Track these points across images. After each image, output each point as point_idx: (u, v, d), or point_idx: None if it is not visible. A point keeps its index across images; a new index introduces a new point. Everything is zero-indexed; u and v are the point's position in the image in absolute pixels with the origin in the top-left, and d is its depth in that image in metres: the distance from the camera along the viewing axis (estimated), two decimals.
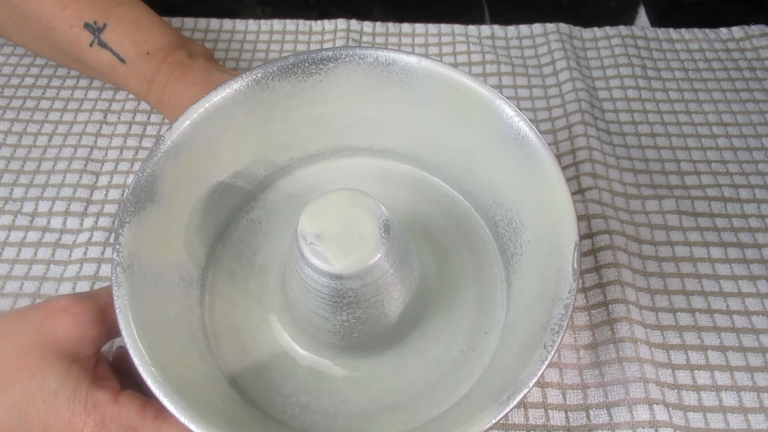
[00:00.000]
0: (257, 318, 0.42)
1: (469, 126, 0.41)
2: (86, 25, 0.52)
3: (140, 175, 0.37)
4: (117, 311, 0.33)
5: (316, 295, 0.36)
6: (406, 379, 0.40)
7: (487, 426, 0.31)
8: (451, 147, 0.43)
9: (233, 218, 0.45)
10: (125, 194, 0.37)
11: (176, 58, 0.53)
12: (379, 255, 0.35)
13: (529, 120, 0.46)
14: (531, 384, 0.31)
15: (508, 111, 0.38)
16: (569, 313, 0.33)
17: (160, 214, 0.38)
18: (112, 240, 0.50)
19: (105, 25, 0.52)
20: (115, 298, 0.34)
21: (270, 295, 0.43)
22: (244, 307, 0.42)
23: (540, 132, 0.58)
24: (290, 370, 0.40)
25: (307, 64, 0.41)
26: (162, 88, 0.52)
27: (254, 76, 0.41)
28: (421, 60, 0.40)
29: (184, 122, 0.39)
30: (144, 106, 0.59)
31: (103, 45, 0.52)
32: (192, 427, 0.31)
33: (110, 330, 0.36)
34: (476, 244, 0.44)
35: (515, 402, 0.31)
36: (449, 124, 0.42)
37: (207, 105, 0.40)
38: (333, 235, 0.35)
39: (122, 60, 0.53)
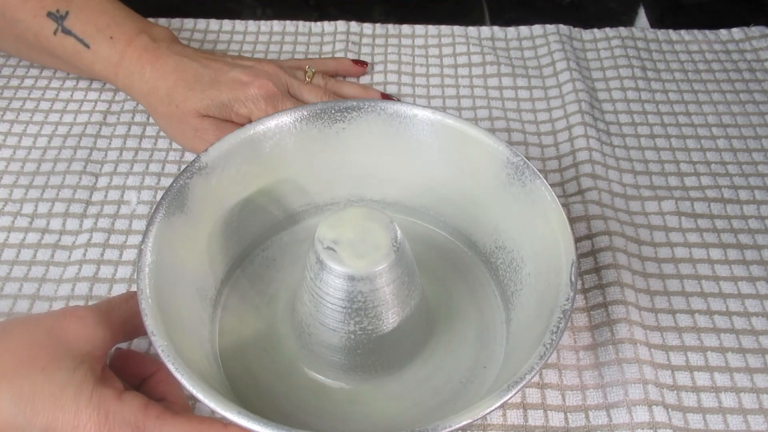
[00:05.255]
0: (264, 339, 0.44)
1: (476, 174, 0.44)
2: (49, 14, 0.53)
3: (174, 184, 0.40)
4: (139, 293, 0.35)
5: (328, 301, 0.38)
6: (406, 405, 0.41)
7: (488, 410, 0.32)
8: (458, 197, 0.46)
9: (250, 253, 0.48)
10: (159, 197, 0.39)
11: (140, 43, 0.54)
12: (389, 261, 0.37)
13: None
14: (531, 376, 0.33)
15: (513, 158, 0.42)
16: (567, 316, 0.35)
17: (187, 225, 0.40)
18: (111, 241, 0.50)
19: (67, 13, 0.53)
20: (139, 280, 0.36)
21: (279, 320, 0.45)
22: (253, 327, 0.44)
23: (540, 134, 0.58)
24: (293, 389, 0.42)
25: (333, 111, 0.45)
26: (130, 75, 0.54)
27: (285, 118, 0.44)
28: (435, 113, 0.44)
29: (220, 147, 0.42)
30: (143, 107, 0.59)
31: (67, 32, 0.53)
32: (210, 403, 0.32)
33: (115, 333, 0.37)
34: (478, 290, 0.46)
35: (516, 389, 0.33)
36: (458, 173, 0.45)
37: (242, 137, 0.43)
38: (348, 241, 0.37)
39: (87, 45, 0.54)
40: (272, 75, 0.53)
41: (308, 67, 0.58)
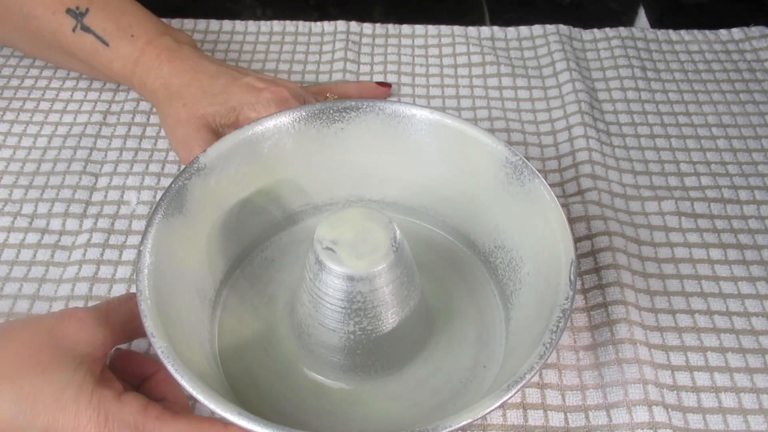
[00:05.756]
0: (263, 340, 0.44)
1: (475, 174, 0.44)
2: (68, 11, 0.53)
3: (173, 185, 0.40)
4: (138, 294, 0.35)
5: (327, 302, 0.38)
6: (405, 405, 0.41)
7: (488, 410, 0.32)
8: (457, 197, 0.46)
9: (249, 253, 0.48)
10: (158, 198, 0.39)
11: (162, 42, 0.53)
12: (388, 261, 0.37)
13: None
14: (531, 375, 0.33)
15: (512, 157, 0.42)
16: (567, 316, 0.35)
17: (186, 226, 0.40)
18: (111, 241, 0.50)
19: (87, 10, 0.53)
20: (138, 282, 0.36)
21: (278, 320, 0.45)
22: (253, 327, 0.44)
23: (540, 134, 0.58)
24: (292, 390, 0.42)
25: (331, 111, 0.44)
26: (147, 71, 0.53)
27: (283, 118, 0.44)
28: (433, 112, 0.44)
29: (219, 148, 0.42)
30: (143, 106, 0.59)
31: (86, 29, 0.53)
32: (205, 400, 0.33)
33: (115, 334, 0.37)
34: (477, 289, 0.46)
35: (516, 389, 0.33)
36: (457, 173, 0.45)
37: (240, 137, 0.43)
38: (348, 241, 0.37)
39: (106, 43, 0.53)
40: (291, 89, 0.52)
41: (329, 94, 0.56)
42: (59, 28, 0.53)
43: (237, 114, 0.50)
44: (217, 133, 0.51)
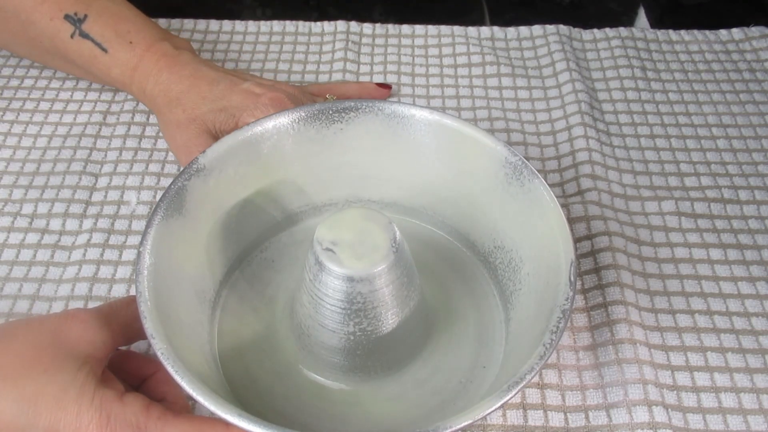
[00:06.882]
0: (263, 341, 0.44)
1: (475, 174, 0.44)
2: (67, 17, 0.52)
3: (172, 186, 0.40)
4: (138, 296, 0.36)
5: (327, 303, 0.38)
6: (406, 405, 0.41)
7: (488, 411, 0.32)
8: (456, 197, 0.46)
9: (248, 254, 0.47)
10: (158, 198, 0.40)
11: (161, 48, 0.53)
12: (388, 262, 0.37)
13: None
14: (531, 376, 0.33)
15: (511, 158, 0.42)
16: (566, 316, 0.35)
17: (185, 227, 0.40)
18: (111, 242, 0.50)
19: (86, 16, 0.52)
20: (137, 283, 0.36)
21: (278, 321, 0.44)
22: (252, 328, 0.44)
23: (539, 134, 0.58)
24: (292, 391, 0.42)
25: (331, 112, 0.45)
26: (146, 77, 0.53)
27: (283, 119, 0.44)
28: (433, 113, 0.44)
29: (218, 149, 0.42)
30: (143, 106, 0.59)
31: (85, 35, 0.52)
32: (203, 400, 0.33)
33: (116, 337, 0.37)
34: (477, 289, 0.46)
35: (516, 390, 0.33)
36: (456, 173, 0.45)
37: (239, 138, 0.43)
38: (347, 242, 0.37)
39: (104, 49, 0.53)
40: (289, 92, 0.52)
41: (329, 96, 0.57)
42: (57, 34, 0.53)
43: (236, 119, 0.50)
44: (216, 138, 0.51)
